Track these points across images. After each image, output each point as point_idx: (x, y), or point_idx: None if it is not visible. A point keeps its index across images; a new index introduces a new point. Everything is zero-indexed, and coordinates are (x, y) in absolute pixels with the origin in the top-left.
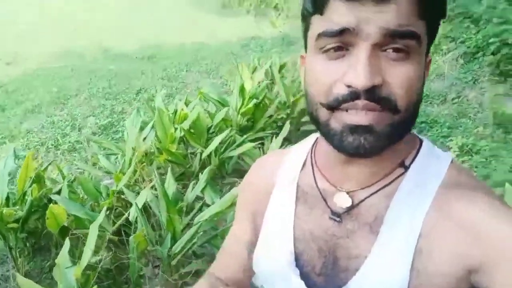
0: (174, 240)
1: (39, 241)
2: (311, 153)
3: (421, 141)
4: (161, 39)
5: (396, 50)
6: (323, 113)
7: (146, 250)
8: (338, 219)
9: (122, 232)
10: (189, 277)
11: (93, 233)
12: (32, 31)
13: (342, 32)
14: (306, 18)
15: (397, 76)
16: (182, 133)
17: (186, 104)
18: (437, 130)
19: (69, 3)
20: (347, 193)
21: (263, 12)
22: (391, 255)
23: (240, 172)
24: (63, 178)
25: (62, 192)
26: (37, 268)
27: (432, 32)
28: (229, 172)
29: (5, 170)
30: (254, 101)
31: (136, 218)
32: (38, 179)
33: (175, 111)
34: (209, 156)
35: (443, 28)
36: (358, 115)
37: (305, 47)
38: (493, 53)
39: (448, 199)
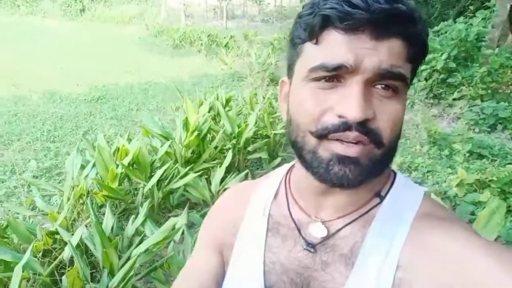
0: (111, 275)
1: None
2: (285, 182)
3: (395, 173)
4: (111, 81)
5: (385, 87)
6: (310, 141)
7: None
8: (312, 250)
9: (56, 274)
10: None
11: (16, 275)
12: None
13: (339, 68)
14: (296, 45)
15: (385, 112)
16: (123, 169)
17: (129, 139)
18: None
19: (14, 51)
20: (323, 222)
21: (214, 51)
22: (368, 287)
23: (186, 204)
24: None
25: None
26: None
27: (414, 73)
28: (174, 205)
29: None
30: (197, 133)
31: (71, 257)
32: None
33: (117, 148)
34: (151, 190)
35: None
36: (347, 146)
37: (288, 72)
38: (425, 79)
39: (424, 231)
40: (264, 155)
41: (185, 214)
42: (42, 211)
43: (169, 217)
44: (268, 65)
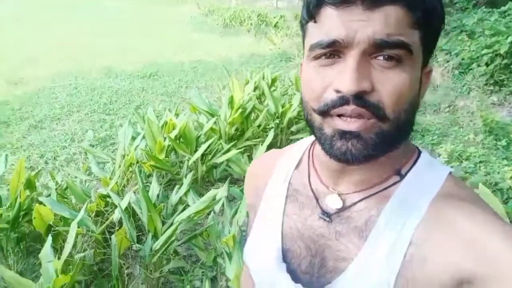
0: (155, 238)
1: (30, 243)
2: (309, 152)
3: (420, 152)
4: (163, 59)
5: (387, 57)
6: (316, 119)
7: (130, 249)
8: (327, 219)
9: (107, 233)
10: (170, 275)
11: (72, 229)
12: (40, 54)
13: (333, 43)
14: (303, 27)
15: (387, 84)
16: (170, 142)
17: (177, 114)
18: (428, 138)
19: (77, 29)
20: (339, 195)
21: (263, 31)
22: (378, 261)
23: (231, 180)
24: (56, 184)
25: (51, 196)
26: (30, 268)
27: (429, 42)
28: (217, 179)
29: None
30: (241, 111)
31: (120, 219)
32: (29, 184)
33: (165, 122)
34: (196, 163)
35: (439, 41)
36: (347, 121)
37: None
38: (486, 64)
39: (443, 210)
40: (306, 135)
41: (226, 187)
42: (97, 176)
43: (211, 189)
44: None
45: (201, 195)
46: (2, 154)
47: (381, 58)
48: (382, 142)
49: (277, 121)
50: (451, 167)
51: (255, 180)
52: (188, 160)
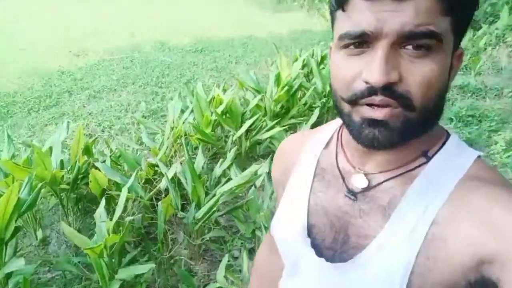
0: (198, 208)
1: (87, 204)
2: (338, 133)
3: (448, 135)
4: (214, 34)
5: (416, 47)
6: (345, 107)
7: (175, 216)
8: (353, 197)
9: (154, 200)
10: (210, 243)
11: (123, 194)
12: (99, 28)
13: (361, 35)
14: (332, 13)
15: (416, 74)
16: (216, 117)
17: (224, 90)
18: (486, 124)
19: (133, 4)
20: (365, 175)
21: (316, 7)
22: (400, 239)
23: (270, 155)
24: (111, 151)
25: (106, 162)
26: (86, 227)
27: (461, 26)
28: (259, 154)
29: (59, 140)
30: (287, 88)
31: (167, 187)
32: (87, 150)
33: (213, 97)
34: (240, 138)
35: (509, 19)
36: (375, 110)
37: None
38: None
39: (467, 192)
40: None
41: (268, 163)
42: (147, 146)
43: (253, 165)
44: None
45: (243, 169)
46: (65, 122)
47: (410, 47)
48: (408, 130)
49: (323, 100)
50: (508, 156)
51: (284, 158)
52: (233, 135)
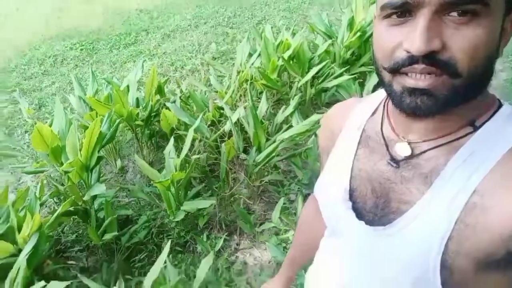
0: (259, 152)
1: (159, 139)
2: (385, 102)
3: (501, 105)
4: None
5: (460, 13)
6: (386, 76)
7: (237, 158)
8: (395, 165)
9: (218, 141)
10: (269, 185)
11: (190, 134)
12: None
13: (404, 4)
14: None
15: (460, 40)
16: (283, 62)
17: (293, 34)
18: None
19: None
20: (409, 143)
21: None
22: (440, 206)
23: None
24: (181, 92)
25: (176, 102)
26: (158, 160)
27: None
28: (324, 103)
29: (135, 79)
30: (360, 34)
31: (231, 130)
32: (159, 90)
33: (281, 41)
34: (305, 85)
35: None
36: (417, 79)
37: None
38: None
39: None
40: None
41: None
42: (215, 88)
43: (317, 113)
44: None
45: (306, 116)
46: (140, 61)
47: (454, 14)
48: (454, 98)
49: None
50: None
51: (331, 124)
52: (299, 82)
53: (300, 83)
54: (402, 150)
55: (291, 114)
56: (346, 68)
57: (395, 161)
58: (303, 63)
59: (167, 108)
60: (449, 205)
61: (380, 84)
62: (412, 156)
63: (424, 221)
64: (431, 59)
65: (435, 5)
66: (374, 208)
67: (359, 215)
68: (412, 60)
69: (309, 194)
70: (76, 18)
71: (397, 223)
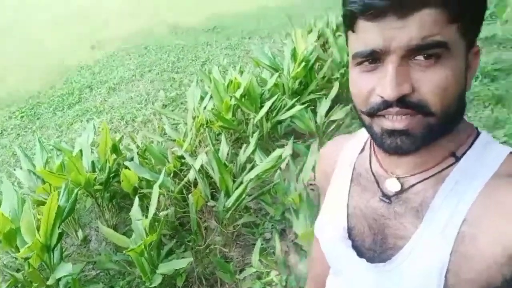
0: (227, 196)
1: (121, 200)
2: (371, 139)
3: (478, 134)
4: (224, 9)
5: (426, 57)
6: (365, 119)
7: (206, 206)
8: (387, 200)
9: (184, 192)
10: (242, 228)
11: (155, 191)
12: (111, 15)
13: (371, 53)
14: (345, 32)
15: (428, 83)
16: (235, 101)
17: (241, 72)
18: None
19: None
20: (398, 178)
21: None
22: (433, 239)
23: (295, 135)
24: (137, 147)
25: (134, 159)
26: (122, 222)
27: (471, 28)
28: (281, 135)
29: (88, 142)
30: (304, 64)
31: (195, 178)
32: (114, 149)
33: (230, 81)
34: (261, 120)
35: None
36: (394, 121)
37: None
38: None
39: (497, 189)
40: None
41: (291, 145)
42: (170, 137)
43: (276, 146)
44: None
45: (267, 151)
46: (91, 122)
47: (420, 57)
48: (431, 135)
49: (342, 70)
50: None
51: (324, 165)
52: (254, 118)
53: (256, 120)
54: (392, 185)
55: (253, 152)
56: (296, 98)
57: (387, 197)
58: (255, 99)
59: (126, 166)
60: (442, 237)
61: (362, 125)
62: (402, 191)
63: (420, 256)
64: (404, 102)
65: (401, 51)
66: (373, 245)
67: (360, 252)
68: (386, 104)
69: (284, 230)
70: (12, 84)
71: (396, 259)
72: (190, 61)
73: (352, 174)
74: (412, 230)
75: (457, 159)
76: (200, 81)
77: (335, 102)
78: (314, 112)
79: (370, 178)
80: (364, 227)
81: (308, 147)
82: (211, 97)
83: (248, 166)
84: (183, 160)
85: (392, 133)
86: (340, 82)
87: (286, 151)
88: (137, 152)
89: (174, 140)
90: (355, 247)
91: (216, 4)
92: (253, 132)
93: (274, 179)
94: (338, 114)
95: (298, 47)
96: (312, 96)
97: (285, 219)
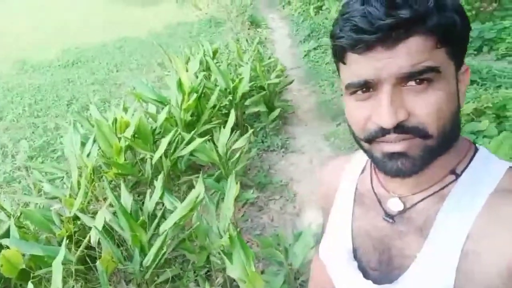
0: (143, 253)
1: None
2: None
3: (476, 149)
4: (83, 41)
5: (418, 82)
6: (364, 145)
7: (119, 271)
8: (391, 220)
9: (87, 257)
10: (164, 285)
11: (57, 271)
12: None
13: (364, 83)
14: (335, 63)
15: (423, 106)
16: (127, 142)
17: (125, 109)
18: None
19: None
20: (400, 198)
21: None
22: (438, 256)
23: (195, 168)
24: (8, 216)
25: (10, 232)
26: None
27: (459, 49)
28: (183, 170)
29: None
30: (195, 95)
31: (99, 240)
32: None
33: (115, 120)
34: (160, 159)
35: None
36: (393, 145)
37: None
38: None
39: (499, 204)
40: (262, 108)
41: (201, 182)
42: (50, 195)
43: (179, 183)
44: (245, 7)
45: (171, 191)
46: None
47: (412, 83)
48: (430, 156)
49: (229, 97)
50: None
51: (325, 189)
52: (151, 159)
53: (154, 159)
54: (395, 205)
55: (161, 197)
56: (194, 131)
57: (390, 217)
58: (148, 137)
59: (3, 246)
60: (447, 254)
61: (362, 151)
62: (404, 210)
63: (426, 275)
64: (401, 128)
65: (392, 80)
66: (379, 265)
67: (366, 274)
68: (384, 131)
69: (209, 276)
70: None
71: (403, 279)
72: (52, 101)
73: (355, 194)
74: (417, 249)
75: (457, 176)
76: (73, 123)
77: (233, 130)
78: (213, 141)
79: (372, 198)
80: (369, 247)
81: (217, 179)
82: (94, 141)
83: (159, 213)
84: (77, 221)
85: (392, 155)
86: (229, 109)
87: (198, 189)
88: (14, 223)
89: (60, 200)
90: (361, 268)
91: (70, 36)
92: (153, 173)
93: (190, 223)
94: (240, 142)
95: (183, 77)
96: (207, 126)
97: (210, 264)
